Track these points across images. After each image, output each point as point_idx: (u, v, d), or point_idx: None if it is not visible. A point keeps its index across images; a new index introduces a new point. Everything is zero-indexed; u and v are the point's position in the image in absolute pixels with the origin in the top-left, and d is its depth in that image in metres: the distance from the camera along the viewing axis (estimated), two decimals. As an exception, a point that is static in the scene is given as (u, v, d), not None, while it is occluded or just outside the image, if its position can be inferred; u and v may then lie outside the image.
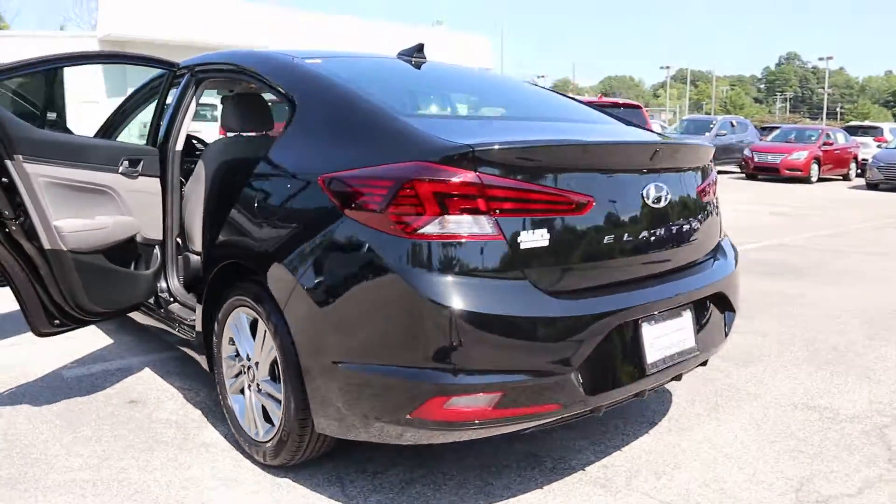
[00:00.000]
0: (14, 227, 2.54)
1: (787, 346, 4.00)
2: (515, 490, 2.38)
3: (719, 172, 19.19)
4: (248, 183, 2.51)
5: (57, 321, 2.78)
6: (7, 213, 2.52)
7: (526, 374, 1.98)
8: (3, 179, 2.51)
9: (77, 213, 2.69)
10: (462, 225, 1.95)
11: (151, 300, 3.18)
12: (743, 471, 2.54)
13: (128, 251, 3.01)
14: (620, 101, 11.34)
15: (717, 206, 2.82)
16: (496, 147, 2.00)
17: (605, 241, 2.18)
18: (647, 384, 2.30)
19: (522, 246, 2.00)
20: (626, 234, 2.24)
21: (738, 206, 11.62)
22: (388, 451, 2.60)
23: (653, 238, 2.34)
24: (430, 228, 1.94)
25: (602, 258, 2.19)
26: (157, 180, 3.07)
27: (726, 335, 2.70)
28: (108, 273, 2.83)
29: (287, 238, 2.27)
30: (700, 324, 2.52)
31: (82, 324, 2.90)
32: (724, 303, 2.67)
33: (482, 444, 2.65)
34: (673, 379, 2.49)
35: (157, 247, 3.13)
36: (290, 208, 2.31)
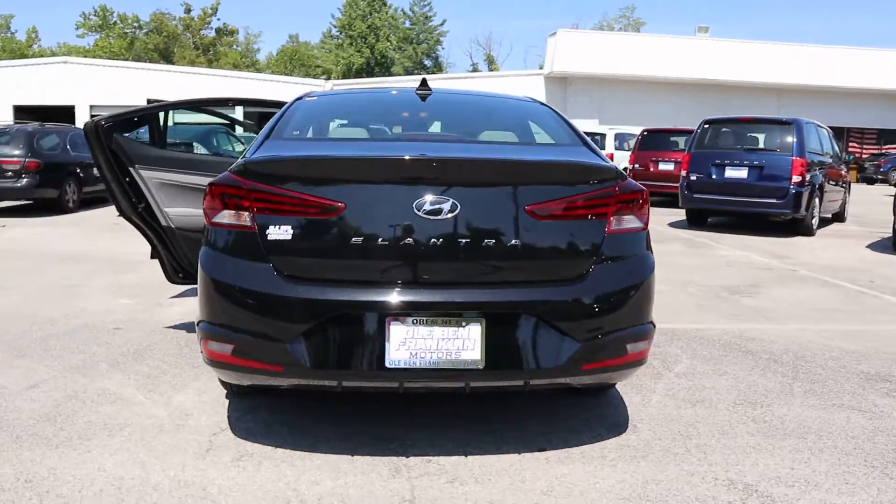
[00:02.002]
0: (140, 209, 4.03)
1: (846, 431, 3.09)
2: (322, 449, 2.71)
3: None
4: None
5: (181, 275, 4.20)
6: (134, 200, 4.01)
7: (247, 335, 2.52)
8: (127, 179, 3.98)
9: (187, 204, 4.02)
10: (233, 218, 2.60)
11: None
12: None
13: None
14: None
15: (589, 228, 2.65)
16: (262, 161, 2.67)
17: (352, 241, 2.49)
18: (400, 379, 2.47)
19: (269, 237, 2.53)
20: (380, 239, 2.49)
21: None
22: (287, 402, 3.09)
23: (422, 247, 2.49)
24: (217, 219, 2.65)
25: (346, 256, 2.51)
26: None
27: (564, 364, 2.53)
28: None
29: None
30: (498, 342, 2.51)
31: None
32: (553, 328, 2.54)
33: (370, 419, 2.98)
34: (459, 389, 2.56)
35: None
36: None
